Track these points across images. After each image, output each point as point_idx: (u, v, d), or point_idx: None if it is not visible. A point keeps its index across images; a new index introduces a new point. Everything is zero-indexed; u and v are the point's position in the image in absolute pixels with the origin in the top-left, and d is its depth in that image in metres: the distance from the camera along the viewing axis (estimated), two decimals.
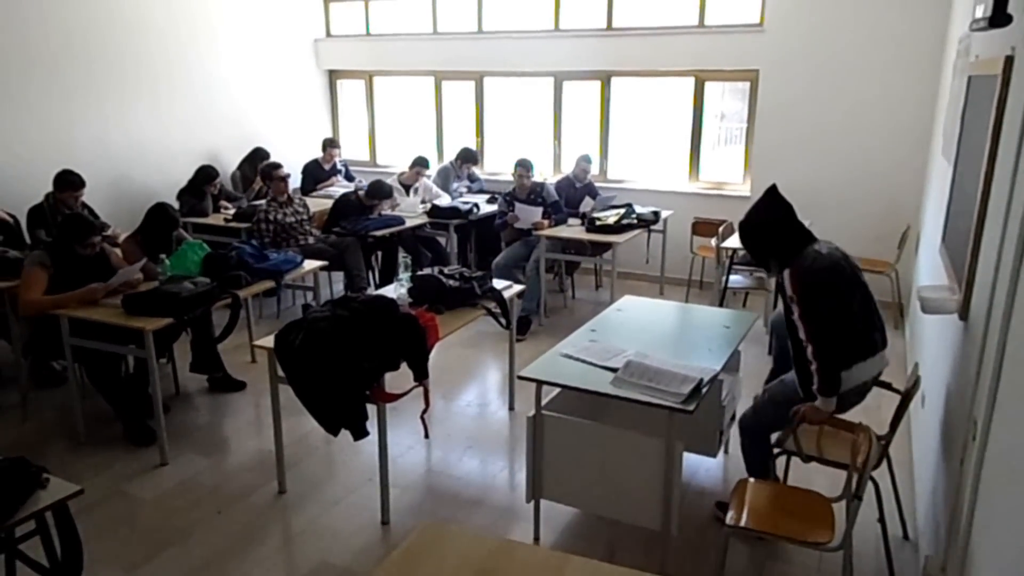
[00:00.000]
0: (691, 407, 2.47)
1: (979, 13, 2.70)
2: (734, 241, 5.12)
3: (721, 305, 4.96)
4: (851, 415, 2.77)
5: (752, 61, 6.07)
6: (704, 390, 2.60)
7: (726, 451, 3.64)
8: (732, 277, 5.16)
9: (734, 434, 3.65)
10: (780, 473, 2.98)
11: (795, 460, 2.86)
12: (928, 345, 3.57)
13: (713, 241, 5.62)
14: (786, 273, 2.65)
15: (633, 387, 2.60)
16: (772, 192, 2.85)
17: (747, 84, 6.30)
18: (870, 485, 2.47)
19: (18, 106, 5.28)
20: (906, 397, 2.71)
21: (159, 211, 4.34)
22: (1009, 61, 2.16)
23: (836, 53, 5.77)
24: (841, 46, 5.75)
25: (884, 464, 2.83)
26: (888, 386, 2.92)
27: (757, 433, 2.95)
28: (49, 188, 4.87)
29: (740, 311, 4.82)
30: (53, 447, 3.72)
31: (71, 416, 3.80)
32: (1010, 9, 2.04)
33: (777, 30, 5.92)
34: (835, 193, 6.00)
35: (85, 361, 3.72)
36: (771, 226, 2.79)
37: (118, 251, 4.24)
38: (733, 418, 3.54)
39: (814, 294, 2.60)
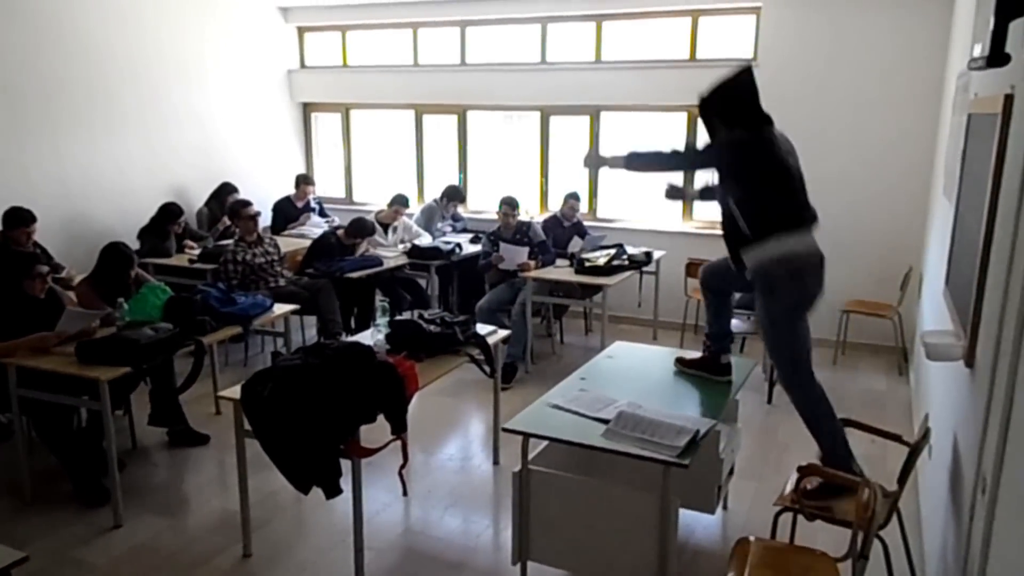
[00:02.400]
0: (687, 461, 2.48)
1: (977, 52, 2.81)
2: None
3: None
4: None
5: None
6: (701, 442, 2.61)
7: (725, 507, 3.63)
8: None
9: (733, 489, 3.66)
10: (786, 532, 2.97)
11: (800, 518, 2.86)
12: (934, 393, 3.61)
13: None
14: (738, 131, 2.99)
15: (626, 440, 2.61)
16: (749, 71, 3.09)
17: None
18: (877, 543, 2.48)
19: None
20: (915, 450, 2.73)
21: (112, 251, 4.34)
22: (1009, 99, 2.24)
23: (832, 89, 5.95)
24: (837, 82, 5.93)
25: (895, 520, 2.83)
26: (897, 438, 2.95)
27: (794, 365, 3.03)
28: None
29: (737, 357, 4.85)
30: None
31: (16, 473, 3.72)
32: (1008, 48, 2.13)
33: (770, 65, 6.08)
34: (833, 234, 6.00)
35: (33, 414, 3.66)
36: (741, 100, 3.05)
37: (72, 295, 4.22)
38: (732, 472, 3.54)
39: (756, 155, 2.96)
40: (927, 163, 5.73)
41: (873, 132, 5.90)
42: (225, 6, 7.17)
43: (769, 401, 5.02)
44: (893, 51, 5.75)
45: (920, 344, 3.37)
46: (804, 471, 2.68)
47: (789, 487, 2.90)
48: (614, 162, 3.25)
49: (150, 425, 4.31)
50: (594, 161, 3.29)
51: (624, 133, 6.94)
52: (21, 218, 4.81)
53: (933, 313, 4.10)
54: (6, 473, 3.89)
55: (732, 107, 3.06)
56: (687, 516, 3.28)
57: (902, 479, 2.74)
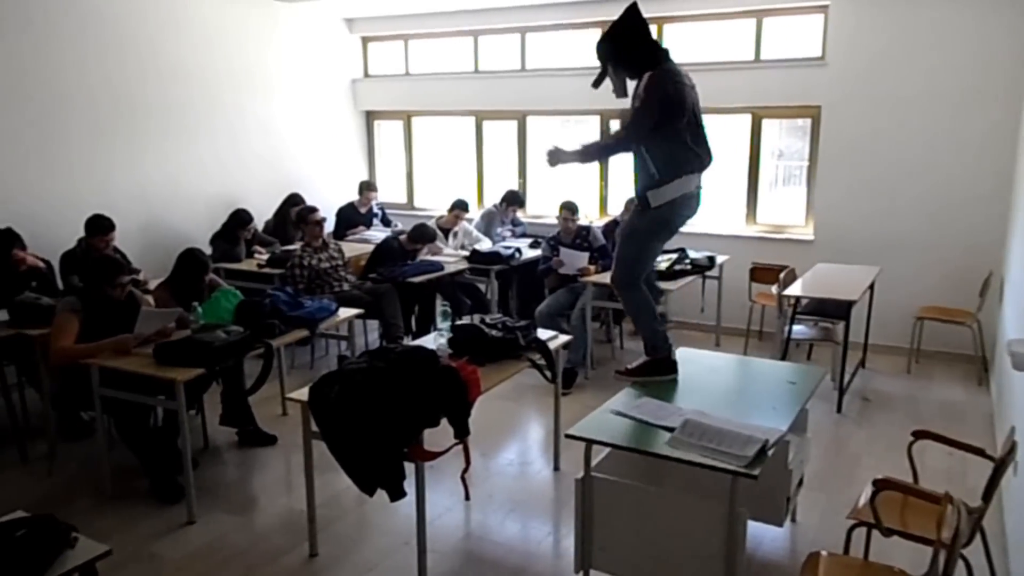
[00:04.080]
0: (756, 471, 2.41)
1: None
2: (797, 288, 5.05)
3: (783, 358, 4.86)
4: (936, 483, 2.67)
5: (814, 96, 6.07)
6: (770, 452, 2.54)
7: (793, 520, 3.52)
8: (795, 327, 5.07)
9: (802, 501, 3.55)
10: (860, 547, 2.86)
11: (875, 533, 2.75)
12: (1020, 404, 3.43)
13: (774, 288, 5.55)
14: (646, 76, 3.09)
15: (692, 448, 2.55)
16: (635, 6, 3.19)
17: (808, 121, 6.28)
18: (960, 563, 2.36)
19: (58, 152, 5.55)
20: (1000, 465, 2.60)
21: (189, 257, 4.48)
22: None
23: (905, 85, 5.74)
24: (910, 77, 5.71)
25: (978, 539, 2.70)
26: (979, 452, 2.81)
27: (631, 273, 3.32)
28: (82, 233, 5.09)
29: (805, 365, 4.73)
30: (78, 502, 3.79)
31: (98, 470, 3.88)
32: None
33: (840, 63, 5.92)
34: (908, 236, 5.90)
35: (114, 412, 3.80)
36: (636, 38, 3.16)
37: (149, 298, 4.37)
38: (801, 483, 3.44)
39: (660, 86, 3.06)
40: (1008, 160, 5.46)
41: (949, 132, 5.66)
42: (293, 19, 7.36)
43: (839, 410, 4.86)
44: (971, 48, 5.51)
45: (1005, 353, 3.21)
46: (880, 485, 2.58)
47: (863, 500, 2.79)
48: (571, 157, 3.31)
49: (221, 425, 4.43)
50: (556, 158, 3.31)
51: None
52: (100, 226, 5.02)
53: (1017, 319, 3.90)
54: (88, 469, 4.05)
55: (631, 47, 3.17)
56: (754, 528, 3.18)
57: (987, 495, 2.60)
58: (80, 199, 5.56)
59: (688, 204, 3.28)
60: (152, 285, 4.73)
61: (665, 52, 3.20)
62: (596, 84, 3.31)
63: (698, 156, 3.22)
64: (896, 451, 4.21)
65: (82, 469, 4.12)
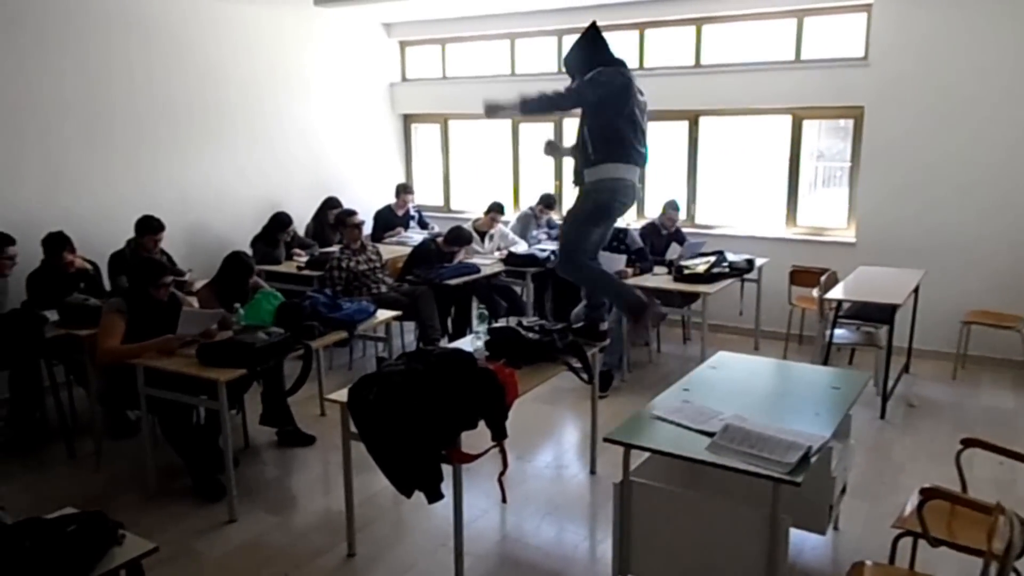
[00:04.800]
0: (799, 478, 2.36)
1: None
2: (839, 292, 4.95)
3: (825, 363, 4.76)
4: (984, 493, 2.59)
5: (856, 97, 5.95)
6: (813, 459, 2.48)
7: (836, 528, 3.45)
8: (837, 331, 4.97)
9: (845, 509, 3.47)
10: (905, 557, 2.79)
11: (921, 543, 2.67)
12: None
13: (815, 292, 5.45)
14: (594, 71, 3.48)
15: (733, 454, 2.51)
16: (594, 25, 3.63)
17: (850, 122, 6.17)
18: None
19: (104, 158, 5.68)
20: None
21: (235, 259, 4.55)
22: None
23: (950, 84, 5.59)
24: (955, 76, 5.57)
25: None
26: None
27: (571, 254, 3.63)
28: (132, 235, 5.20)
29: (847, 370, 4.64)
30: (124, 498, 3.87)
31: (143, 468, 3.96)
32: None
33: (884, 63, 5.79)
34: (954, 238, 5.74)
35: (158, 411, 3.88)
36: (595, 48, 3.58)
37: (193, 300, 4.45)
38: (844, 491, 3.37)
39: (608, 78, 3.46)
40: None
41: (995, 131, 5.50)
42: (331, 24, 7.44)
43: (882, 416, 4.75)
44: (1016, 45, 5.35)
45: None
46: (928, 494, 2.51)
47: (909, 509, 2.72)
48: (507, 108, 3.55)
49: (261, 425, 4.49)
50: (493, 111, 3.51)
51: (724, 137, 6.76)
52: (151, 226, 5.15)
53: None
54: (133, 467, 4.14)
55: (589, 55, 3.57)
56: (795, 535, 3.12)
57: None
58: (125, 203, 5.69)
59: (626, 192, 3.58)
60: (197, 287, 4.82)
61: (621, 61, 3.60)
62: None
63: (636, 150, 3.55)
64: (942, 459, 4.10)
65: (127, 467, 4.21)
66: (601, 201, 3.56)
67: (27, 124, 5.21)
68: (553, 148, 3.88)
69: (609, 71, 3.51)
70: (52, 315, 4.38)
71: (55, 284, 4.64)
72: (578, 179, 3.61)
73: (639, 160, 3.59)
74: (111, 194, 5.70)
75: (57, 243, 4.73)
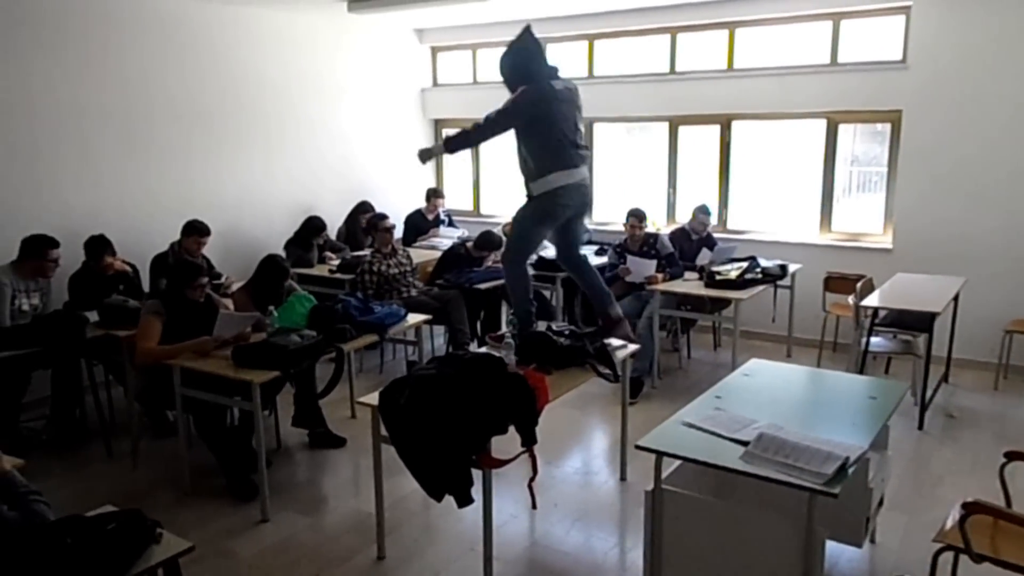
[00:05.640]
0: (836, 490, 2.32)
1: None
2: (875, 299, 4.86)
3: (861, 371, 4.67)
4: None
5: (894, 101, 5.84)
6: (851, 470, 2.43)
7: (873, 541, 3.38)
8: (873, 340, 4.87)
9: (881, 522, 3.40)
10: (946, 573, 2.72)
11: (963, 559, 2.60)
12: None
13: (850, 299, 5.35)
14: (521, 88, 3.70)
15: (767, 464, 2.47)
16: (528, 29, 3.79)
17: (887, 126, 6.06)
18: None
19: (143, 161, 5.78)
20: None
21: (271, 262, 4.60)
22: None
23: (991, 87, 5.46)
24: (997, 79, 5.43)
25: None
26: None
27: (517, 252, 3.95)
28: (170, 238, 5.30)
29: (885, 379, 4.54)
30: (159, 497, 3.94)
31: (178, 467, 4.02)
32: None
33: (923, 66, 5.68)
34: (995, 245, 5.60)
35: (194, 411, 3.93)
36: (527, 58, 3.76)
37: (229, 302, 4.51)
38: (881, 503, 3.30)
39: (537, 108, 3.69)
40: None
41: None
42: (364, 30, 7.50)
43: (920, 427, 4.65)
44: None
45: None
46: (970, 508, 2.44)
47: (951, 523, 2.65)
48: (438, 150, 3.94)
49: (293, 426, 4.53)
50: (426, 155, 3.96)
51: (757, 141, 6.69)
52: (197, 229, 5.26)
53: None
54: (169, 466, 4.20)
55: (520, 66, 3.76)
56: (831, 548, 3.06)
57: None
58: (162, 207, 5.79)
59: (570, 195, 3.79)
60: (233, 289, 4.88)
61: (551, 71, 3.78)
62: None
63: (575, 153, 3.77)
64: (982, 471, 4.01)
65: (163, 466, 4.27)
66: (546, 208, 3.81)
67: (71, 131, 5.32)
68: (426, 153, 3.99)
69: (530, 90, 3.69)
70: (92, 316, 4.48)
71: (95, 286, 4.74)
72: (527, 190, 3.86)
73: (579, 160, 3.80)
74: (148, 199, 5.80)
75: (99, 246, 4.83)
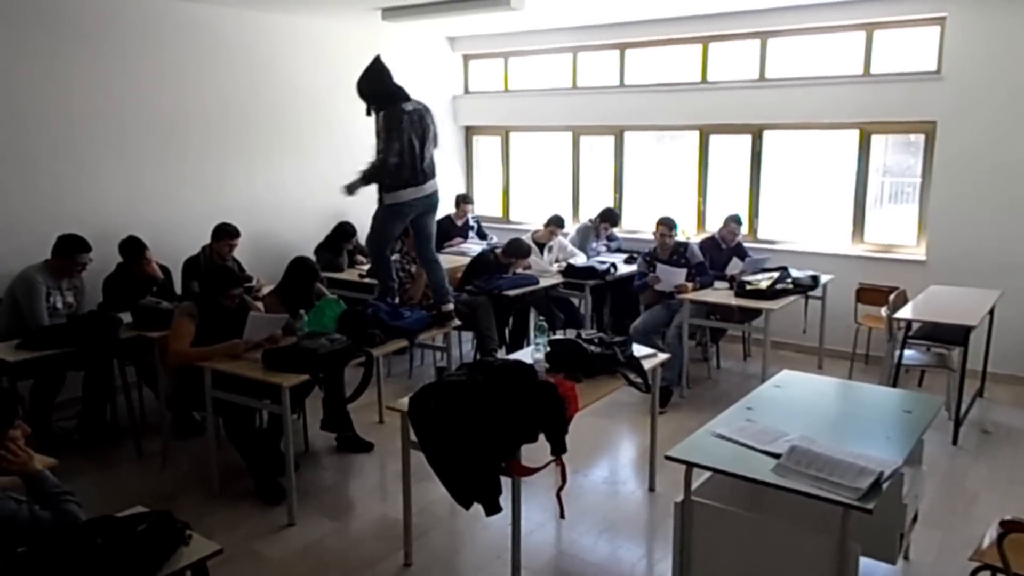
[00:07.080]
0: (871, 505, 2.26)
1: None
2: (908, 311, 4.76)
3: (894, 384, 4.57)
4: None
5: (928, 111, 5.73)
6: (885, 485, 2.37)
7: (906, 557, 3.29)
8: (907, 352, 4.76)
9: (916, 538, 3.32)
10: None
11: None
12: None
13: (883, 311, 5.24)
14: (381, 114, 4.38)
15: (800, 477, 2.41)
16: (379, 59, 4.53)
17: (920, 136, 5.94)
18: None
19: (178, 166, 5.86)
20: None
21: (300, 265, 4.62)
22: None
23: None
24: None
25: None
26: None
27: (377, 243, 4.77)
28: (202, 242, 5.34)
29: (919, 392, 4.44)
30: (187, 498, 3.96)
31: (207, 468, 4.04)
32: None
33: (958, 77, 5.57)
34: None
35: (223, 413, 3.96)
36: (377, 83, 4.47)
37: (260, 305, 4.54)
38: (915, 519, 3.21)
39: (390, 128, 4.32)
40: None
41: None
42: (398, 38, 7.54)
43: (955, 442, 4.53)
44: None
45: None
46: (1009, 526, 2.36)
47: (988, 541, 2.57)
48: (357, 184, 4.44)
49: (321, 430, 4.54)
50: (351, 189, 4.45)
51: (789, 151, 6.60)
52: (228, 232, 5.31)
53: None
54: (198, 467, 4.23)
55: (372, 90, 4.46)
56: (864, 564, 2.97)
57: None
58: (195, 211, 5.85)
59: (415, 206, 4.54)
60: (264, 292, 4.91)
61: (399, 94, 4.46)
62: (367, 113, 4.50)
63: (420, 173, 4.46)
64: (1020, 489, 3.91)
65: (192, 467, 4.31)
66: (395, 212, 4.53)
67: (109, 135, 5.41)
68: (350, 189, 4.47)
69: (389, 115, 4.35)
70: (125, 317, 4.53)
71: (129, 287, 4.79)
72: (380, 196, 4.51)
73: (423, 179, 4.49)
74: (182, 202, 5.87)
75: (134, 248, 4.89)
